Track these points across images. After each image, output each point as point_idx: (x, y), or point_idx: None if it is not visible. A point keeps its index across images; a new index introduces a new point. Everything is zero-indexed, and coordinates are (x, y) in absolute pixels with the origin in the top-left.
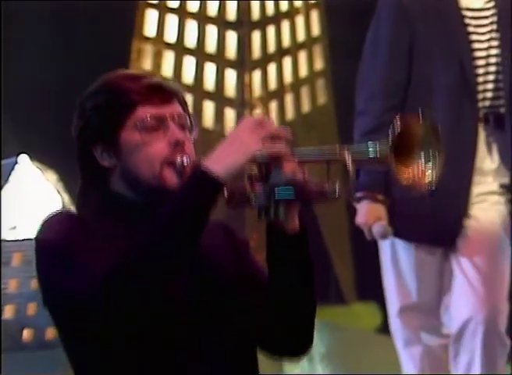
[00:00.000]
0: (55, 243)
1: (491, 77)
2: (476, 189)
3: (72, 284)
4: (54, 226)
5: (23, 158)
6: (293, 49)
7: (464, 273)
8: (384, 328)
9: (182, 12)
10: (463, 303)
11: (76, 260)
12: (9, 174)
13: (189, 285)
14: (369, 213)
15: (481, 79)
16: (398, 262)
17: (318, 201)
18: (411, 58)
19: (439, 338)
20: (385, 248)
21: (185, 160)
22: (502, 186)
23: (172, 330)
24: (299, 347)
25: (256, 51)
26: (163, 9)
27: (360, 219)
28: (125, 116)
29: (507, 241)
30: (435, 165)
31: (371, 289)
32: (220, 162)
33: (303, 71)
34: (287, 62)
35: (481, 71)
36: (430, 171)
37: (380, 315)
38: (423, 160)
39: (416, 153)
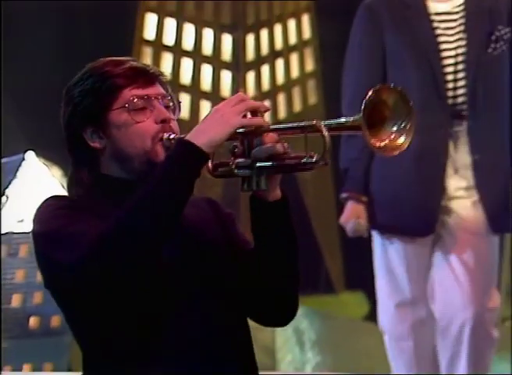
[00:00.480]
0: (45, 229)
1: (461, 75)
2: (454, 182)
3: (63, 263)
4: (42, 213)
5: (30, 155)
6: (285, 51)
7: (452, 269)
8: (371, 316)
9: (180, 16)
10: (450, 299)
11: (64, 241)
12: (17, 170)
13: (175, 256)
14: (350, 213)
15: (451, 77)
16: (389, 262)
17: (297, 170)
18: (385, 63)
19: (429, 333)
20: (376, 247)
21: (172, 136)
22: (470, 189)
23: (158, 298)
24: (283, 315)
25: (250, 54)
26: (162, 13)
27: (342, 218)
28: (112, 98)
29: (495, 239)
30: (407, 131)
31: (358, 279)
32: (203, 135)
33: (294, 72)
34: (280, 63)
35: (450, 69)
36: (402, 136)
37: (367, 303)
38: (395, 127)
39: (388, 120)
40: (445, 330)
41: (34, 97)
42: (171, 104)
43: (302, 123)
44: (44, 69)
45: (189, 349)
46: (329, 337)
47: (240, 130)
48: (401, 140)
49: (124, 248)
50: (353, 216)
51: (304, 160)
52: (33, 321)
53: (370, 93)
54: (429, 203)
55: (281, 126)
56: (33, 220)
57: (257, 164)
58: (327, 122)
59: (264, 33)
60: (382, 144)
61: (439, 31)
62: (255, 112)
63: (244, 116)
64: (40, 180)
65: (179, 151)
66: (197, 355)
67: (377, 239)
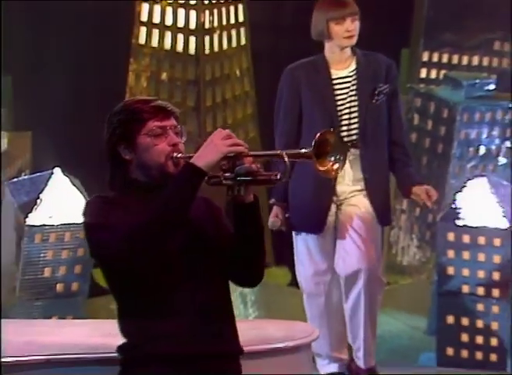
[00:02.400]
0: (91, 219)
1: (354, 119)
2: (352, 188)
3: (104, 245)
4: (88, 206)
5: (57, 170)
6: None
7: (352, 238)
8: (292, 283)
9: (162, 26)
10: (350, 259)
11: (101, 229)
12: (47, 181)
13: (183, 239)
14: (272, 213)
15: (345, 122)
16: (307, 244)
17: (266, 183)
18: (301, 109)
19: (336, 290)
20: (297, 236)
21: (179, 155)
22: (363, 189)
23: (171, 271)
24: (255, 278)
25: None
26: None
27: (270, 217)
28: (140, 127)
29: (375, 219)
30: (341, 161)
31: (283, 257)
32: (202, 160)
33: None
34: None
35: (345, 117)
36: (337, 164)
37: (290, 274)
38: (333, 158)
39: (329, 153)
40: (348, 281)
41: (61, 122)
42: (179, 131)
43: (270, 152)
44: (70, 96)
45: (189, 306)
46: (264, 299)
47: (227, 155)
48: (336, 166)
49: (147, 238)
50: (273, 215)
51: (272, 177)
52: (59, 287)
53: (318, 134)
54: (319, 210)
55: (255, 152)
56: (83, 213)
57: (238, 178)
58: (287, 151)
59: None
60: (324, 169)
61: (337, 92)
62: (237, 144)
63: (230, 146)
64: (63, 189)
65: (187, 171)
66: (195, 310)
67: (295, 233)
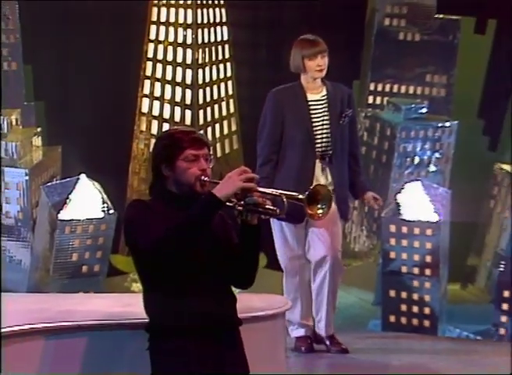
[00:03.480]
0: (129, 218)
1: (325, 136)
2: None
3: (139, 242)
4: (129, 208)
5: (82, 176)
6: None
7: (320, 231)
8: (267, 266)
9: (164, 62)
10: (319, 248)
11: (138, 228)
12: (75, 185)
13: (203, 248)
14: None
15: (318, 137)
16: (284, 233)
17: (266, 214)
18: (283, 128)
19: (308, 272)
20: (275, 225)
21: (206, 179)
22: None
23: (193, 270)
24: (248, 283)
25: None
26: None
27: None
28: (179, 153)
29: (337, 215)
30: (325, 209)
31: (261, 245)
32: (221, 192)
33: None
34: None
35: (318, 132)
36: (321, 210)
37: (266, 259)
38: (320, 205)
39: (319, 202)
40: (317, 265)
41: (85, 138)
42: (210, 158)
43: (274, 192)
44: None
45: (202, 294)
46: None
47: (242, 189)
48: (320, 212)
49: (173, 241)
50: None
51: (272, 212)
52: (84, 268)
53: (313, 186)
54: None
55: (263, 189)
56: (126, 212)
57: (247, 206)
58: (286, 194)
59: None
60: (311, 212)
61: (312, 112)
62: (250, 179)
63: (245, 181)
64: (87, 191)
65: (209, 199)
66: (208, 294)
67: (275, 221)
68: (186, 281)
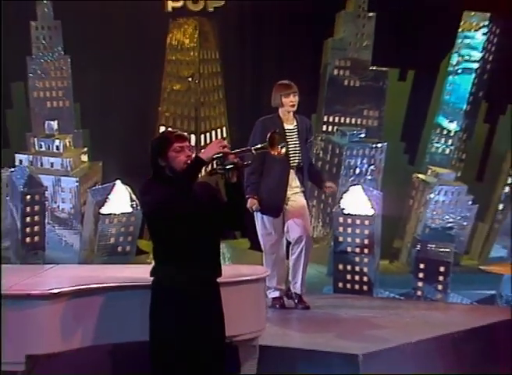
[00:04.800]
0: (141, 191)
1: (297, 154)
2: (290, 191)
3: (147, 202)
4: (144, 184)
5: (118, 182)
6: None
7: (296, 220)
8: (250, 248)
9: None
10: (296, 231)
11: (148, 197)
12: (112, 188)
13: (193, 208)
14: (248, 204)
15: (291, 154)
16: (264, 223)
17: (243, 167)
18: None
19: (282, 251)
20: (257, 217)
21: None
22: (301, 191)
23: (186, 227)
24: (239, 224)
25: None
26: None
27: (247, 205)
28: (169, 147)
29: (307, 207)
30: (284, 148)
31: (246, 233)
32: (204, 154)
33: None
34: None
35: (291, 152)
36: (283, 149)
37: (249, 243)
38: (279, 146)
39: (277, 143)
40: (295, 243)
41: (120, 152)
42: (190, 148)
43: (244, 149)
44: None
45: (196, 253)
46: (235, 256)
47: (219, 153)
48: (281, 150)
49: (171, 199)
50: (250, 205)
51: (245, 164)
52: (118, 249)
53: (269, 134)
54: (277, 202)
55: (235, 151)
56: (141, 186)
57: (227, 167)
58: (254, 148)
59: None
60: (275, 152)
61: (288, 138)
62: (225, 147)
63: (221, 148)
64: (121, 192)
65: (197, 159)
66: (199, 257)
67: (258, 215)
68: (181, 243)
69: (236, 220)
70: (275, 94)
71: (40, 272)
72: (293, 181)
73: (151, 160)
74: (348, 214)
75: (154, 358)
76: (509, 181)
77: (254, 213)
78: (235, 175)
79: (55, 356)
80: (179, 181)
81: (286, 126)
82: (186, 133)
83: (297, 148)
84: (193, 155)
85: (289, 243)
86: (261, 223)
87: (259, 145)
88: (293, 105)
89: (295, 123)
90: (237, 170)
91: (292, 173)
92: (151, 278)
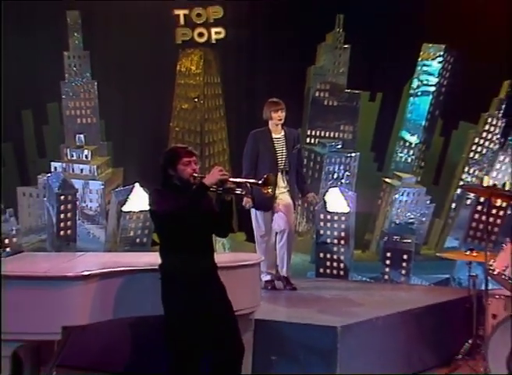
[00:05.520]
0: (151, 198)
1: (284, 159)
2: (277, 191)
3: (157, 211)
4: (152, 193)
5: (137, 185)
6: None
7: (282, 215)
8: (246, 240)
9: None
10: (281, 224)
11: (157, 204)
12: (131, 191)
13: (196, 216)
14: (245, 201)
15: (279, 159)
16: (257, 218)
17: (236, 194)
18: (258, 154)
19: (271, 241)
20: (252, 213)
21: (196, 175)
22: (287, 191)
23: (192, 230)
24: (225, 233)
25: None
26: None
27: (243, 203)
28: (179, 160)
29: (292, 205)
30: (272, 189)
31: (242, 227)
32: (207, 181)
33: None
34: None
35: (279, 157)
36: (270, 190)
37: (245, 235)
38: (270, 187)
39: (269, 184)
40: (280, 234)
41: (138, 159)
42: (197, 162)
43: (241, 180)
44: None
45: (196, 246)
46: (233, 247)
47: (220, 180)
48: (269, 190)
49: (179, 211)
50: (245, 202)
51: (239, 193)
52: (137, 240)
53: (266, 175)
54: (269, 199)
55: (233, 179)
56: (149, 195)
57: (224, 190)
58: (249, 181)
59: None
60: (265, 191)
61: (275, 145)
62: (225, 174)
63: (222, 176)
64: (139, 193)
65: (201, 185)
66: (199, 249)
67: (252, 210)
68: (186, 242)
69: (226, 227)
70: (266, 110)
71: (73, 258)
72: (281, 182)
73: (161, 169)
74: (328, 211)
75: (168, 331)
76: (460, 184)
77: (251, 210)
78: (229, 195)
79: (85, 328)
80: (188, 200)
81: (275, 136)
82: (194, 150)
83: (284, 154)
84: (197, 173)
85: (276, 234)
86: (255, 218)
87: (254, 181)
88: (280, 119)
89: (282, 134)
90: (231, 194)
91: (279, 175)
92: (161, 262)
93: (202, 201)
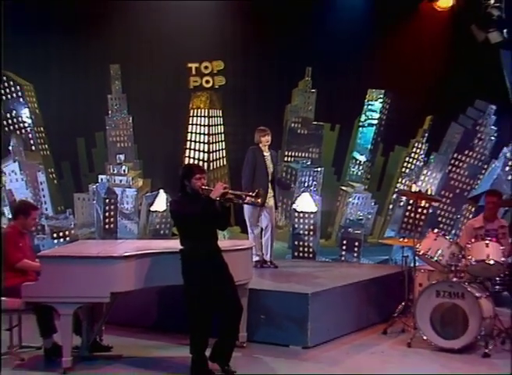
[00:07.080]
0: (172, 206)
1: (270, 172)
2: (268, 195)
3: (175, 214)
4: (172, 202)
5: (161, 191)
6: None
7: (266, 213)
8: (241, 232)
9: None
10: (265, 221)
11: (175, 209)
12: (156, 196)
13: (206, 215)
14: (250, 201)
15: (269, 172)
16: (250, 213)
17: (235, 204)
18: (255, 167)
19: (257, 230)
20: (245, 209)
21: (204, 187)
22: (272, 196)
23: (201, 225)
24: (224, 227)
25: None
26: None
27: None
28: (193, 175)
29: (274, 207)
30: (262, 199)
31: (238, 222)
32: (214, 194)
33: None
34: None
35: (269, 171)
36: (259, 200)
37: (240, 228)
38: (259, 199)
39: (259, 197)
40: (264, 229)
41: (163, 170)
42: (206, 178)
43: (239, 193)
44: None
45: (206, 236)
46: (231, 237)
47: (223, 193)
48: (259, 201)
49: (193, 216)
50: (250, 201)
51: (237, 203)
52: (161, 232)
53: (256, 190)
54: (262, 198)
55: (233, 192)
56: (169, 204)
57: (225, 200)
58: (246, 194)
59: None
60: (255, 201)
61: (265, 160)
62: (227, 188)
63: (224, 189)
64: (163, 197)
65: (209, 199)
66: (209, 238)
67: (245, 207)
68: (198, 234)
69: (225, 223)
70: (256, 135)
71: (115, 244)
72: (269, 189)
73: (179, 179)
74: (300, 211)
75: (187, 296)
76: (396, 190)
77: (244, 210)
78: (229, 204)
79: (126, 294)
80: (200, 209)
81: (265, 154)
82: (204, 168)
83: (270, 169)
84: (206, 186)
85: (261, 228)
86: (247, 213)
87: (250, 193)
88: (267, 142)
89: (269, 153)
90: (231, 203)
91: (269, 184)
92: (181, 247)
93: (210, 208)
